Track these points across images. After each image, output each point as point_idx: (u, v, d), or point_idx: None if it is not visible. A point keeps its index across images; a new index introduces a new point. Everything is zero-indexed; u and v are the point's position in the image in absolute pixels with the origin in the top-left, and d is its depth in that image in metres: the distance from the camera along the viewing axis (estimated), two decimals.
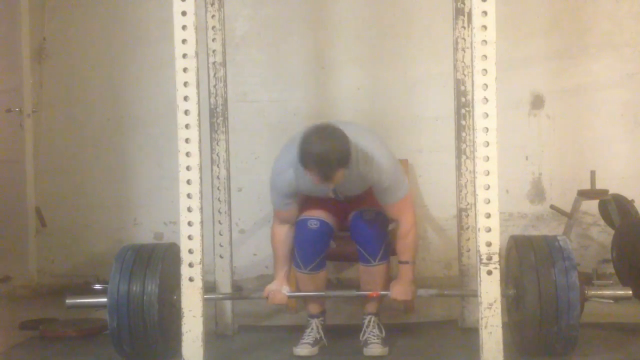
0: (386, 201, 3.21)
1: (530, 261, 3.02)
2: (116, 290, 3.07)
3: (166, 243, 3.42)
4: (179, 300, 2.99)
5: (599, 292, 3.28)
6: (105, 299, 3.11)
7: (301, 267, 3.31)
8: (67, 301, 3.26)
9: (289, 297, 3.34)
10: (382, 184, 3.14)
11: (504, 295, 3.00)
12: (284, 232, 3.30)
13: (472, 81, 2.85)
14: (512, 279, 3.18)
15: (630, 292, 3.18)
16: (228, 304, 3.66)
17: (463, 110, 3.61)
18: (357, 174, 3.11)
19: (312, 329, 3.36)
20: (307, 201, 3.33)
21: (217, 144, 3.64)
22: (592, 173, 4.35)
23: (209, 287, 3.41)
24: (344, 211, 3.38)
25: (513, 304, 3.19)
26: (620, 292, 3.24)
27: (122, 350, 3.13)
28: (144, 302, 3.06)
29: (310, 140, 2.95)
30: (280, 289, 3.30)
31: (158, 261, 3.15)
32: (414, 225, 3.27)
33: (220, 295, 3.60)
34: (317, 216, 3.30)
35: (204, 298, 2.97)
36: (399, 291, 3.26)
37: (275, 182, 3.22)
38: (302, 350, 3.28)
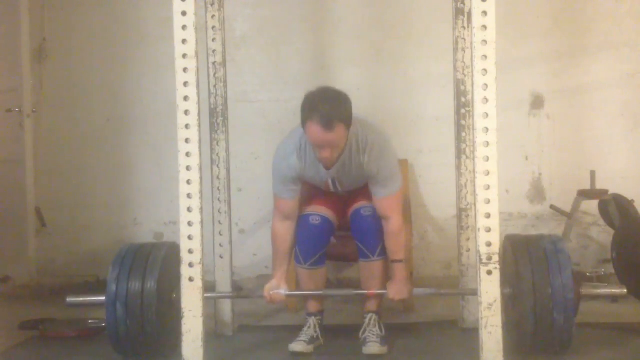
0: (379, 194, 3.22)
1: (526, 260, 3.01)
2: (114, 290, 3.06)
3: (166, 242, 3.42)
4: (178, 299, 2.99)
5: (594, 291, 3.24)
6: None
7: (302, 262, 3.33)
8: (67, 299, 3.26)
9: (288, 296, 3.35)
10: (379, 176, 3.18)
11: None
12: (285, 229, 3.31)
13: (472, 81, 2.85)
14: (507, 278, 3.18)
15: (625, 290, 3.18)
16: (228, 304, 3.66)
17: (463, 110, 3.61)
18: (357, 162, 3.16)
19: (309, 327, 3.36)
20: (308, 197, 3.36)
21: (217, 144, 3.64)
22: (592, 173, 4.34)
23: (209, 287, 3.41)
24: (343, 207, 3.41)
25: (509, 302, 3.18)
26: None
27: (120, 348, 3.13)
28: (143, 300, 3.05)
29: (313, 93, 3.06)
30: (279, 289, 3.30)
31: (157, 260, 3.14)
32: (403, 223, 3.28)
33: (220, 294, 3.60)
34: (318, 212, 3.34)
35: (204, 297, 2.96)
36: (396, 291, 3.27)
37: (278, 166, 3.24)
38: (296, 346, 3.28)
